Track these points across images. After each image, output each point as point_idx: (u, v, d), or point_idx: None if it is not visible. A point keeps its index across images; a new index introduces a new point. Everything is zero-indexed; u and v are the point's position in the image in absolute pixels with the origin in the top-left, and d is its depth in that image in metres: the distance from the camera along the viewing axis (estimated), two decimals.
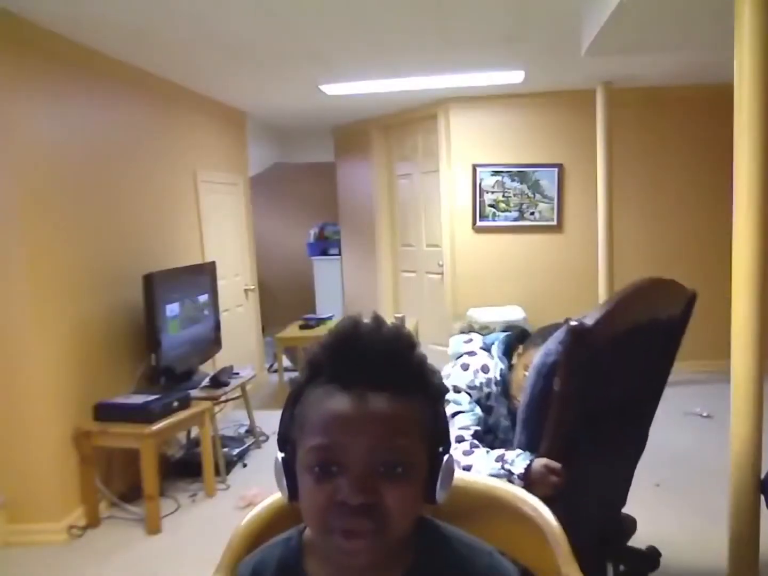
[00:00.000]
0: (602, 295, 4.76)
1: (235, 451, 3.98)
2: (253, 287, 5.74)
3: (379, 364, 0.72)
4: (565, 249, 5.43)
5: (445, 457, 0.78)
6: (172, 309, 3.73)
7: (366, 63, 4.02)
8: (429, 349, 5.85)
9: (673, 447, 3.84)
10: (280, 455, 0.78)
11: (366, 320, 0.76)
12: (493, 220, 5.45)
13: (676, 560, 2.59)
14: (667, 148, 5.35)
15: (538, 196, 5.40)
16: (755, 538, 1.99)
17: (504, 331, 2.14)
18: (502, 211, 5.43)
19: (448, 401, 1.95)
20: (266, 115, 6.01)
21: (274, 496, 0.98)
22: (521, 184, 5.40)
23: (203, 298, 4.16)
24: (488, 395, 1.97)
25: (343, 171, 7.11)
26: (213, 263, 4.43)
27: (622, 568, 2.18)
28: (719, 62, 3.26)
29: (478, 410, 1.94)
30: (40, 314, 3.02)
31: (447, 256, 5.58)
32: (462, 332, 2.21)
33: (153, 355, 3.53)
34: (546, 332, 1.88)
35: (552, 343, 1.69)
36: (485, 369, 1.98)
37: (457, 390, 1.96)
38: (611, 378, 1.77)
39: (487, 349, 2.06)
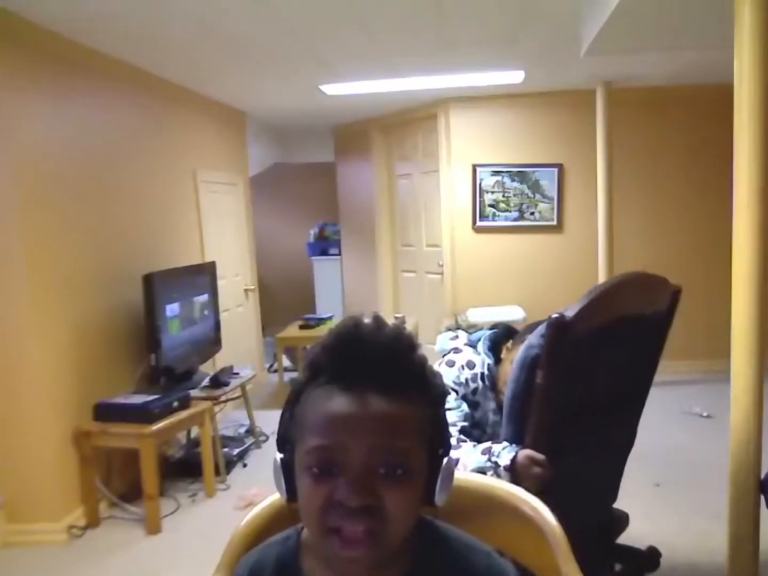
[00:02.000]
0: None
1: (235, 451, 3.98)
2: (253, 287, 5.74)
3: (380, 365, 0.72)
4: (565, 249, 5.43)
5: (445, 460, 0.77)
6: (172, 309, 3.73)
7: (366, 63, 4.02)
8: (428, 349, 5.84)
9: (674, 447, 3.84)
10: (279, 456, 0.78)
11: (367, 321, 0.76)
12: (493, 220, 5.45)
13: (676, 560, 2.59)
14: (667, 148, 5.35)
15: (538, 196, 5.40)
16: (755, 538, 1.99)
17: (491, 329, 2.15)
18: (502, 211, 5.43)
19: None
20: (266, 115, 6.01)
21: (274, 496, 0.98)
22: (521, 184, 5.40)
23: (203, 298, 4.16)
24: (474, 390, 1.98)
25: (343, 171, 7.11)
26: (213, 263, 4.43)
27: (618, 567, 2.19)
28: (719, 62, 3.26)
29: (464, 407, 1.95)
30: (40, 314, 3.02)
31: (447, 256, 5.58)
32: (449, 329, 2.23)
33: (153, 355, 3.53)
34: (533, 328, 1.89)
35: (535, 337, 1.71)
36: (471, 365, 1.99)
37: None
38: (595, 371, 1.78)
39: (472, 345, 2.07)
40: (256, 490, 3.38)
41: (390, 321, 0.77)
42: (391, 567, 0.76)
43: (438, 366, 2.03)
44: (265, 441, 4.29)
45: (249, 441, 4.21)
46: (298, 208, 8.30)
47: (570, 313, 1.60)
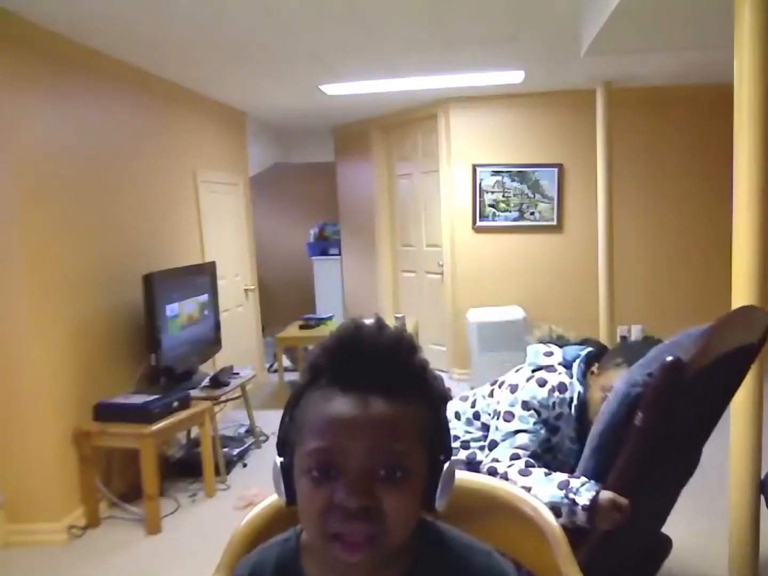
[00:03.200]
0: (602, 295, 4.76)
1: (235, 451, 3.98)
2: (253, 287, 5.74)
3: (380, 368, 0.72)
4: (565, 249, 5.43)
5: (446, 465, 0.76)
6: (172, 309, 3.73)
7: (366, 63, 4.02)
8: (429, 350, 5.85)
9: None
10: (279, 460, 0.77)
11: (368, 322, 0.76)
12: (493, 220, 5.45)
13: (677, 560, 2.59)
14: (667, 148, 5.34)
15: (538, 196, 5.40)
16: (755, 538, 1.99)
17: (581, 343, 2.05)
18: (502, 211, 5.43)
19: (513, 415, 1.86)
20: (266, 115, 6.01)
21: (274, 496, 0.98)
22: (521, 184, 5.40)
23: (203, 298, 4.16)
24: (559, 416, 1.88)
25: (343, 171, 7.11)
26: (213, 263, 4.43)
27: None
28: (719, 62, 3.26)
29: (542, 432, 1.85)
30: (40, 314, 3.02)
31: (447, 256, 5.58)
32: (541, 341, 2.10)
33: (153, 355, 3.53)
34: (625, 352, 1.80)
35: (638, 373, 1.60)
36: (562, 388, 1.88)
37: (526, 407, 1.86)
38: (690, 410, 1.69)
39: (566, 365, 1.96)
40: (256, 490, 3.38)
41: (390, 321, 0.77)
42: (391, 567, 0.76)
43: (527, 381, 1.92)
44: (265, 441, 4.28)
45: (249, 441, 4.21)
46: (298, 208, 8.30)
47: (686, 357, 1.49)
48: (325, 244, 7.49)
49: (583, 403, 1.89)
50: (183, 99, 4.49)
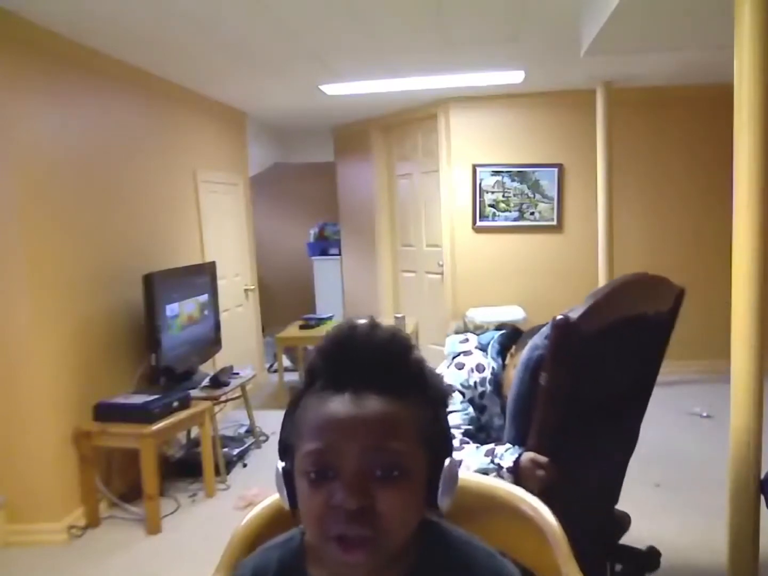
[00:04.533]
0: None
1: (235, 451, 3.98)
2: (253, 287, 5.74)
3: (373, 367, 0.71)
4: (565, 249, 5.43)
5: (447, 461, 0.76)
6: (172, 309, 3.73)
7: (366, 63, 4.02)
8: (429, 350, 5.85)
9: (673, 447, 3.84)
10: (281, 464, 0.77)
11: (362, 323, 0.75)
12: (493, 220, 5.45)
13: (676, 560, 2.59)
14: (667, 148, 5.35)
15: (538, 196, 5.40)
16: (755, 538, 1.99)
17: (497, 329, 2.14)
18: (502, 211, 5.43)
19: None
20: (266, 115, 6.01)
21: (274, 496, 0.98)
22: (521, 184, 5.40)
23: (203, 298, 4.16)
24: (482, 394, 1.98)
25: (343, 171, 7.11)
26: (213, 263, 4.43)
27: (618, 567, 2.18)
28: (719, 62, 3.26)
29: (470, 410, 1.95)
30: (40, 314, 3.02)
31: (447, 256, 5.58)
32: (457, 332, 2.21)
33: (153, 355, 3.53)
34: (536, 331, 1.88)
35: (538, 338, 1.70)
36: (480, 368, 1.99)
37: (450, 389, 1.96)
38: (598, 373, 1.77)
39: (483, 348, 2.07)
40: (256, 490, 3.38)
41: (390, 321, 0.77)
42: (394, 568, 0.76)
43: (447, 368, 2.03)
44: (265, 441, 4.29)
45: (249, 441, 4.21)
46: (298, 208, 8.30)
47: (574, 314, 1.59)
48: (325, 244, 7.49)
49: (499, 380, 1.99)
50: (183, 99, 4.49)
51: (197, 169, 4.68)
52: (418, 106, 5.58)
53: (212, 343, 4.30)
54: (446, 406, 0.81)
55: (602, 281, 4.78)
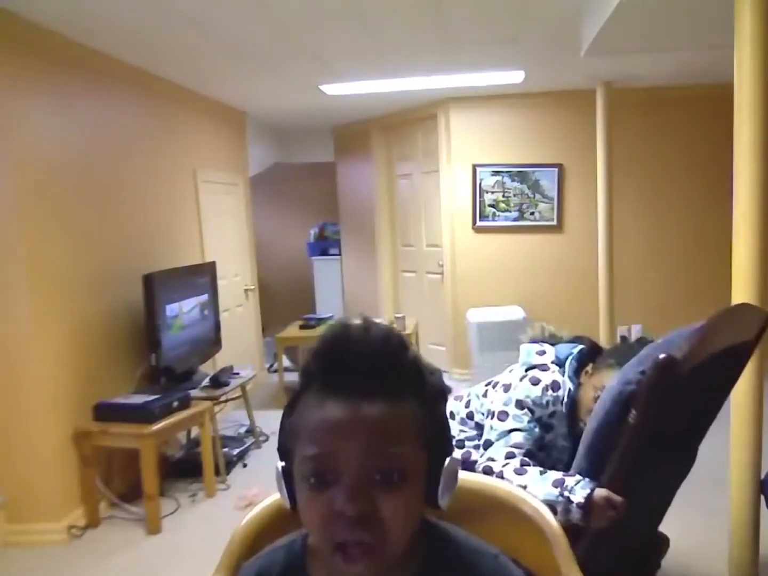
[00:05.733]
0: (602, 295, 4.76)
1: (235, 451, 3.98)
2: (253, 287, 5.74)
3: (369, 368, 0.70)
4: (565, 249, 5.43)
5: (447, 460, 0.75)
6: (172, 309, 3.73)
7: (366, 63, 4.02)
8: (429, 350, 5.85)
9: None
10: (281, 464, 0.77)
11: (356, 323, 0.74)
12: (493, 220, 5.45)
13: (677, 560, 2.59)
14: (667, 148, 5.35)
15: (538, 196, 5.40)
16: (755, 538, 1.99)
17: (573, 341, 2.06)
18: (502, 211, 5.43)
19: (507, 414, 1.88)
20: (266, 115, 6.00)
21: (274, 496, 0.98)
22: (521, 184, 5.40)
23: (203, 298, 4.16)
24: (552, 414, 1.90)
25: (343, 171, 7.11)
26: (213, 263, 4.43)
27: None
28: (719, 62, 3.26)
29: (536, 430, 1.87)
30: (40, 314, 3.02)
31: (447, 256, 5.58)
32: (533, 340, 2.12)
33: (153, 355, 3.53)
34: (619, 353, 1.80)
35: (632, 372, 1.61)
36: (555, 386, 1.90)
37: (520, 405, 1.89)
38: (684, 410, 1.70)
39: (559, 363, 1.97)
40: (256, 490, 3.38)
41: (390, 321, 0.76)
42: (397, 571, 0.75)
43: (520, 381, 1.94)
44: (265, 441, 4.28)
45: (249, 441, 4.21)
46: (298, 208, 8.29)
47: (679, 354, 1.49)
48: (325, 244, 7.49)
49: (574, 401, 1.90)
50: (183, 99, 4.49)
51: (197, 169, 4.68)
52: (418, 106, 5.58)
53: (212, 343, 4.30)
54: (445, 401, 0.79)
55: (602, 281, 4.78)
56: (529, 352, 2.04)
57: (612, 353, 1.90)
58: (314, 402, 0.72)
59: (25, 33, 2.92)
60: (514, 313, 5.06)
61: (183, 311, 3.86)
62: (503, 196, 5.41)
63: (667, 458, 1.81)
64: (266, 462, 3.85)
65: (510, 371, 2.06)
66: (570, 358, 1.97)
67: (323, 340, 0.74)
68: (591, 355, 1.98)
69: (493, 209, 5.44)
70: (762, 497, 2.00)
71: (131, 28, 3.11)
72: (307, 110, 5.63)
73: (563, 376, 1.93)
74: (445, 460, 0.75)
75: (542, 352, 2.01)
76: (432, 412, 0.75)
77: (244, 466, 3.97)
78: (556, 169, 5.35)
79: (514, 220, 5.43)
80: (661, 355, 1.49)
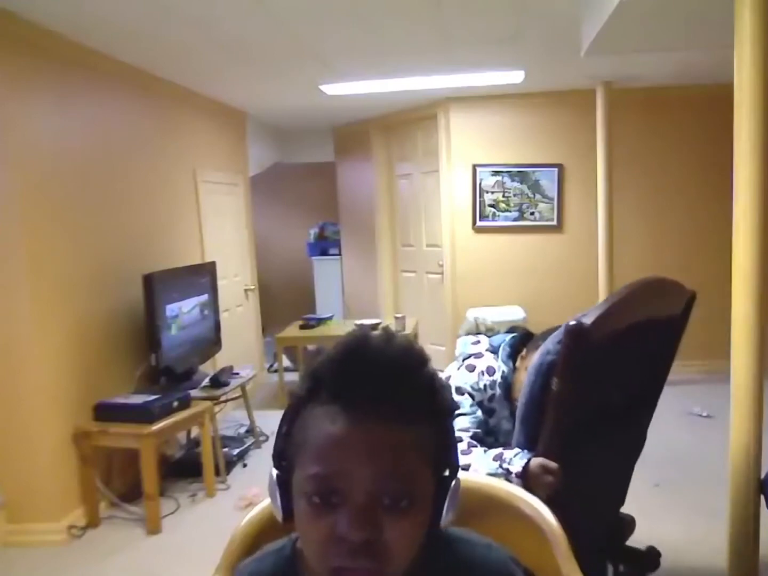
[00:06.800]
0: (602, 295, 4.76)
1: (235, 451, 3.98)
2: (253, 287, 5.74)
3: (385, 383, 0.67)
4: (565, 249, 5.43)
5: (453, 482, 0.73)
6: (172, 309, 3.73)
7: (366, 63, 4.02)
8: (429, 350, 5.85)
9: (673, 447, 3.84)
10: (275, 472, 0.73)
11: (376, 334, 0.72)
12: (493, 220, 5.45)
13: (676, 560, 2.59)
14: (667, 148, 5.34)
15: (538, 196, 5.40)
16: (755, 538, 1.99)
17: (509, 332, 2.13)
18: (502, 211, 5.43)
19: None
20: (266, 115, 6.01)
21: None
22: (521, 184, 5.40)
23: (203, 298, 4.16)
24: (492, 397, 1.97)
25: (343, 171, 7.11)
26: (213, 263, 4.43)
27: (621, 568, 2.19)
28: (719, 62, 3.26)
29: (479, 413, 1.95)
30: (40, 314, 3.02)
31: (447, 256, 5.58)
32: (469, 333, 2.22)
33: (153, 355, 3.53)
34: (548, 334, 1.87)
35: (551, 343, 1.69)
36: (490, 371, 1.98)
37: (460, 392, 1.96)
38: (609, 377, 1.76)
39: (494, 351, 2.06)
40: (256, 490, 3.38)
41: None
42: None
43: (457, 370, 2.02)
44: (265, 441, 4.28)
45: (249, 441, 4.21)
46: (298, 208, 8.29)
47: (588, 319, 1.56)
48: (325, 244, 7.49)
49: (509, 383, 1.99)
50: (183, 99, 4.49)
51: (197, 169, 4.68)
52: (418, 106, 5.58)
53: (212, 343, 4.30)
54: (453, 417, 0.79)
55: (602, 281, 4.78)
56: (465, 344, 2.12)
57: (543, 335, 1.95)
58: (323, 415, 0.68)
59: (25, 33, 2.92)
60: (514, 313, 5.06)
61: (183, 311, 3.86)
62: (503, 196, 5.42)
63: (613, 432, 1.88)
64: (266, 462, 3.84)
65: (452, 365, 2.15)
66: (503, 343, 2.06)
67: (342, 347, 0.71)
68: (524, 341, 2.05)
69: (493, 209, 5.44)
70: (762, 497, 2.00)
71: (131, 28, 3.11)
72: (307, 110, 5.63)
73: (498, 361, 2.02)
74: (451, 482, 0.73)
75: (477, 342, 2.11)
76: (441, 428, 0.73)
77: (244, 466, 3.97)
78: (556, 169, 5.35)
79: (514, 220, 5.43)
80: (571, 321, 1.57)
